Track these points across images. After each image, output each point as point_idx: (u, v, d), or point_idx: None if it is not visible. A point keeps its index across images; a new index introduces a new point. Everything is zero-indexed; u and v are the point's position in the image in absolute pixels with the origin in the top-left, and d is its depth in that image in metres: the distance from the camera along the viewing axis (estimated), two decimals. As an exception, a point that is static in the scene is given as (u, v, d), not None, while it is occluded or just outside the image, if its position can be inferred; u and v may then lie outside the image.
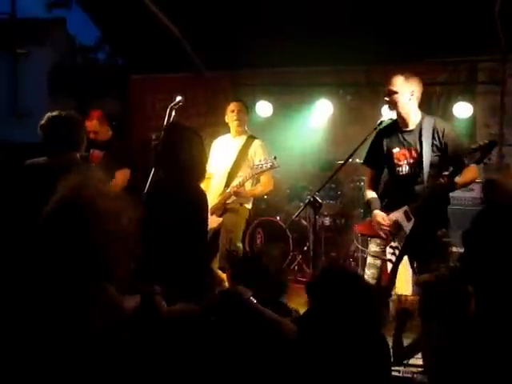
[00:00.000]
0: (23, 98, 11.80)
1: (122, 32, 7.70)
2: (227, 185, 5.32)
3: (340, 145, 7.01)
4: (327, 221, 7.37)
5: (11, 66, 11.65)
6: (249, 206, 5.46)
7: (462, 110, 6.66)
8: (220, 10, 6.51)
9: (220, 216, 5.23)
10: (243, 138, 5.45)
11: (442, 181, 3.80)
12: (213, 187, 5.38)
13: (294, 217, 4.68)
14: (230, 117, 5.46)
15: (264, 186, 5.37)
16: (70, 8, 12.28)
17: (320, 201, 4.10)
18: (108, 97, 9.97)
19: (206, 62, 7.93)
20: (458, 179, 3.81)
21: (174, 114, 4.31)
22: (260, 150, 5.35)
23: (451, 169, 3.79)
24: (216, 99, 8.16)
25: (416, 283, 3.21)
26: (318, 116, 7.34)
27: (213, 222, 5.05)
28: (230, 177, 5.35)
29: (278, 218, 7.39)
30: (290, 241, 7.14)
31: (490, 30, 6.12)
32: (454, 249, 4.14)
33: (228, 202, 5.23)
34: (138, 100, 8.76)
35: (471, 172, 3.88)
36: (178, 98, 4.36)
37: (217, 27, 6.78)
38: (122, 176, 5.31)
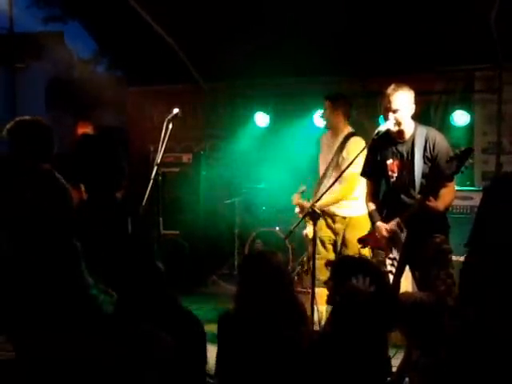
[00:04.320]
0: (22, 111, 11.80)
1: (120, 45, 7.72)
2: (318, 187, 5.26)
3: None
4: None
5: (9, 80, 11.66)
6: (343, 213, 5.21)
7: (460, 118, 6.66)
8: (217, 22, 6.52)
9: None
10: (341, 137, 5.27)
11: (418, 200, 3.82)
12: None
13: (292, 227, 4.65)
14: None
15: (339, 192, 5.09)
16: (67, 22, 12.31)
17: (319, 211, 4.09)
18: (106, 109, 9.98)
19: (204, 74, 7.95)
20: (439, 204, 3.80)
21: (171, 126, 4.30)
22: (351, 147, 5.10)
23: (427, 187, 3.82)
24: (214, 111, 8.19)
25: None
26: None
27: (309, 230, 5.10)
28: (322, 178, 5.30)
29: (277, 228, 7.39)
30: (290, 251, 7.13)
31: (486, 39, 6.13)
32: (454, 257, 4.14)
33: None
34: (136, 112, 8.78)
35: (449, 191, 3.87)
36: (176, 111, 4.35)
37: (214, 39, 6.80)
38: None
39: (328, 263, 3.61)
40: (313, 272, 4.21)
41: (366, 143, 4.20)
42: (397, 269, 3.95)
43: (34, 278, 1.92)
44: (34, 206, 3.45)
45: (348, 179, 5.00)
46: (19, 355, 1.89)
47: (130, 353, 1.88)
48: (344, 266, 2.77)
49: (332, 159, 5.28)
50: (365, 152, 4.82)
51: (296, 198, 5.46)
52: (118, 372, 1.83)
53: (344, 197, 5.14)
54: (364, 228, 4.90)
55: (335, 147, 5.29)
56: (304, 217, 4.23)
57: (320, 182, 5.36)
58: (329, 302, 3.08)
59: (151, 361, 1.88)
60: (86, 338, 1.87)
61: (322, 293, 4.68)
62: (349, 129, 5.34)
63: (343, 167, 4.82)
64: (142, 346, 1.90)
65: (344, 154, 5.16)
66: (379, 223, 4.11)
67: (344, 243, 5.23)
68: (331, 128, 5.40)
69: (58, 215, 3.28)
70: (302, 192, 5.46)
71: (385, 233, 4.03)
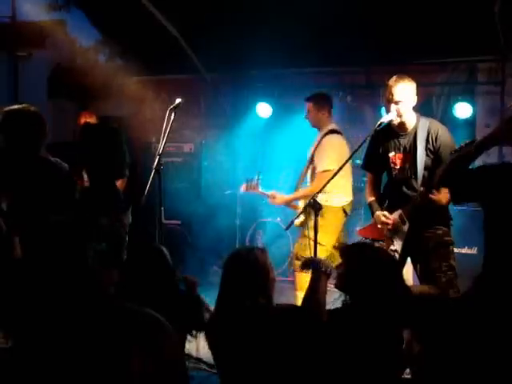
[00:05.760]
0: (24, 100, 11.76)
1: (122, 34, 7.70)
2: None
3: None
4: (327, 222, 7.36)
5: (12, 68, 11.63)
6: (327, 203, 4.98)
7: (462, 110, 6.66)
8: (220, 12, 6.51)
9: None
10: (322, 133, 5.22)
11: (421, 193, 3.82)
12: None
13: (294, 218, 4.66)
14: None
15: (306, 188, 5.23)
16: (70, 10, 12.25)
17: (320, 202, 4.08)
18: (108, 99, 9.95)
19: (207, 64, 7.93)
20: (441, 197, 3.78)
21: (173, 116, 4.30)
22: (324, 144, 5.09)
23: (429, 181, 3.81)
24: (216, 101, 8.18)
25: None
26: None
27: None
28: (302, 174, 5.33)
29: (278, 219, 7.40)
30: (290, 242, 7.14)
31: (490, 31, 6.11)
32: (456, 249, 4.15)
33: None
34: (138, 102, 8.76)
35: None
36: (178, 101, 4.35)
37: (217, 29, 6.78)
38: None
39: (340, 248, 3.59)
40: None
41: (368, 134, 4.17)
42: (398, 261, 3.96)
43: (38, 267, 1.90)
44: (38, 188, 3.45)
45: (317, 177, 5.00)
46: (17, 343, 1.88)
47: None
48: (356, 252, 2.79)
49: (311, 154, 5.25)
50: (339, 149, 4.94)
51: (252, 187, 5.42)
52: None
53: (310, 192, 4.82)
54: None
55: (316, 142, 5.24)
56: (305, 207, 4.22)
57: (300, 179, 5.37)
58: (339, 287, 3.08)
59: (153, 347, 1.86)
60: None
61: (300, 278, 4.70)
62: (332, 125, 5.27)
63: (316, 163, 5.03)
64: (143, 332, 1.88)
65: (317, 150, 5.13)
66: (378, 212, 4.12)
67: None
68: (317, 127, 5.32)
69: (61, 200, 3.27)
70: (258, 179, 5.40)
71: (383, 218, 4.04)
